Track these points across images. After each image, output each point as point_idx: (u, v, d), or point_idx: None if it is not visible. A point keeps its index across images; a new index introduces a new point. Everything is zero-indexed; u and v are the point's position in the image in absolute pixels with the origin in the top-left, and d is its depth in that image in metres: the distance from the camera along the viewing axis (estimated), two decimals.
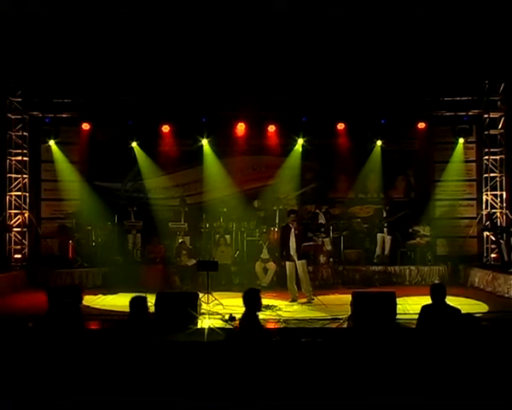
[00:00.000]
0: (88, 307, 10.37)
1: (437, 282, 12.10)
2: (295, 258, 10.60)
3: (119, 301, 10.79)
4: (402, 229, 13.73)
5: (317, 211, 13.80)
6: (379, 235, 13.68)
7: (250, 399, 5.06)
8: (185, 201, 14.00)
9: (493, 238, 13.47)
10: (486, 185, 13.85)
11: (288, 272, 10.72)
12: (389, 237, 13.56)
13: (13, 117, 13.72)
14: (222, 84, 12.71)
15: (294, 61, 12.18)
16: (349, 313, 8.60)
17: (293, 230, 10.64)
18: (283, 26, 10.74)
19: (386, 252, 13.55)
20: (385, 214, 13.67)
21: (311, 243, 10.70)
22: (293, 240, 10.59)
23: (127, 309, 9.62)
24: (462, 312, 6.23)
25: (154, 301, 8.76)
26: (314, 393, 5.39)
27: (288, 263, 10.73)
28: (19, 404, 5.23)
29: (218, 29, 10.87)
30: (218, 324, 8.66)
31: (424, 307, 6.45)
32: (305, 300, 10.59)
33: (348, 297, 8.85)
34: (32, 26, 10.60)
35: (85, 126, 14.20)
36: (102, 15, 10.33)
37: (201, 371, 5.56)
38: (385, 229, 13.56)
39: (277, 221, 13.50)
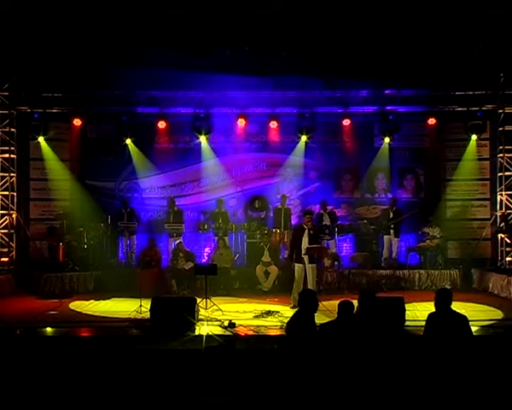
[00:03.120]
0: (79, 313, 10.42)
1: (448, 286, 12.17)
2: (306, 261, 10.58)
3: (113, 307, 10.83)
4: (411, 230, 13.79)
5: (322, 212, 13.79)
6: (385, 237, 13.65)
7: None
8: (174, 201, 13.98)
9: (508, 241, 13.48)
10: (501, 185, 13.84)
11: (296, 275, 10.67)
12: (396, 238, 13.57)
13: None
14: (222, 79, 12.74)
15: (298, 55, 12.22)
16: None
17: (307, 231, 10.61)
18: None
19: (394, 255, 13.55)
20: (391, 215, 13.66)
21: (314, 246, 10.65)
22: (307, 241, 10.55)
23: (120, 315, 9.81)
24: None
25: (149, 307, 8.82)
26: (318, 403, 5.39)
27: (297, 265, 10.67)
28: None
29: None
30: (217, 330, 8.66)
31: (430, 315, 6.40)
32: None
33: (354, 303, 8.82)
34: (19, 16, 10.60)
35: (77, 122, 14.22)
36: (92, 5, 10.32)
37: (198, 380, 5.58)
38: (391, 230, 13.55)
39: (282, 222, 13.48)
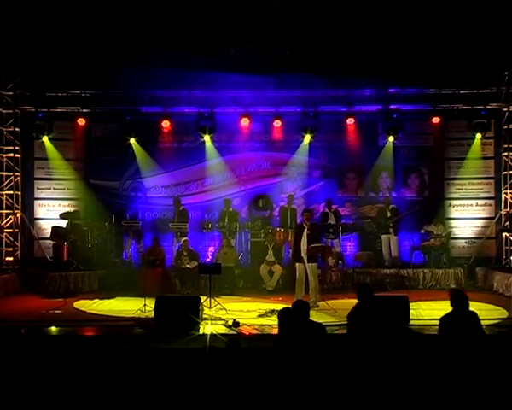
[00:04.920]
0: (84, 312, 10.43)
1: (453, 286, 12.14)
2: (305, 260, 10.55)
3: (117, 306, 10.83)
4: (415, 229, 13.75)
5: (327, 211, 13.76)
6: (384, 237, 13.49)
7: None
8: (180, 200, 13.99)
9: None
10: (505, 183, 13.83)
11: (297, 274, 10.64)
12: (395, 237, 13.47)
13: (4, 112, 13.78)
14: (226, 78, 12.73)
15: (302, 53, 12.21)
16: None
17: (305, 230, 10.59)
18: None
19: (394, 254, 13.45)
20: (389, 214, 13.60)
21: (318, 245, 10.62)
22: (305, 241, 10.52)
23: (124, 314, 9.81)
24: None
25: (153, 306, 8.82)
26: (321, 403, 5.38)
27: (298, 265, 10.65)
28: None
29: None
30: (221, 330, 8.65)
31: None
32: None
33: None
34: (23, 16, 10.62)
35: (81, 121, 14.19)
36: (96, 5, 10.33)
37: (203, 379, 5.57)
38: (391, 229, 13.47)
39: (289, 221, 13.46)
